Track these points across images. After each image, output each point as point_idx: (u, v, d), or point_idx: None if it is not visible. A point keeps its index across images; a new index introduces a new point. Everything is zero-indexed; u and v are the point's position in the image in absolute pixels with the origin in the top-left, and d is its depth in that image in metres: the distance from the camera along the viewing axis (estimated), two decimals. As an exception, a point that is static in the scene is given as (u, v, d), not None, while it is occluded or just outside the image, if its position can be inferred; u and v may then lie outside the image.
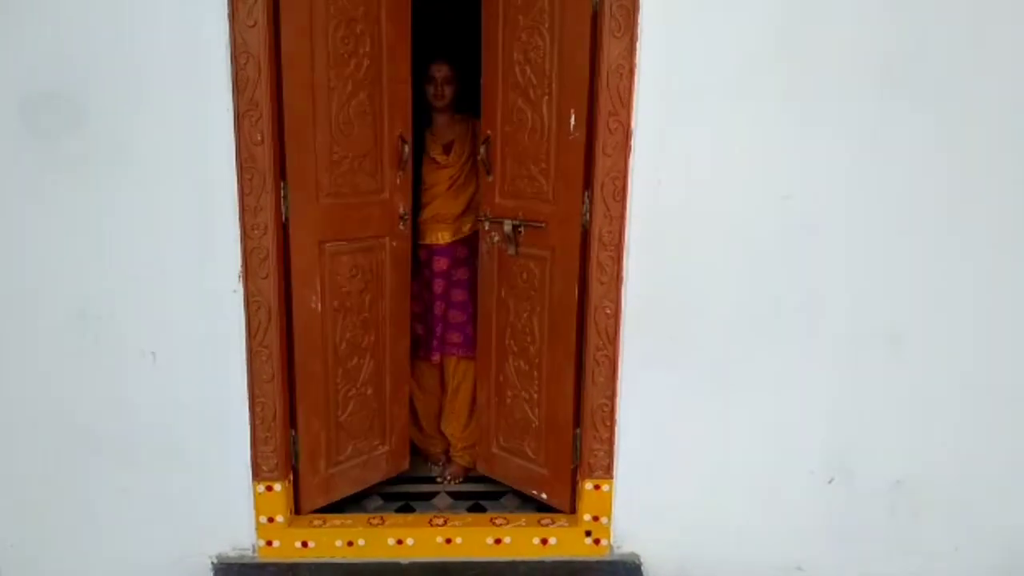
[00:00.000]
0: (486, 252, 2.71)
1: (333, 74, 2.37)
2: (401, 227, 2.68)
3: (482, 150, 2.64)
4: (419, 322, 3.00)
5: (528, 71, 2.45)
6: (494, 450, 2.83)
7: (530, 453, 2.70)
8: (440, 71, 2.88)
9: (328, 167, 2.43)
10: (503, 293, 2.68)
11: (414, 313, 2.94)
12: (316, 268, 2.46)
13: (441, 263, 2.96)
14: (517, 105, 2.51)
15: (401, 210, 2.67)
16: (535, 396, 2.63)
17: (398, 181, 2.64)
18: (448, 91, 2.89)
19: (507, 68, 2.51)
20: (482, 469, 2.91)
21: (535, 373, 2.62)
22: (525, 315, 2.61)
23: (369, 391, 2.70)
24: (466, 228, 2.94)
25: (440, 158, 2.92)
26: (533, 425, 2.67)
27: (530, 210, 2.52)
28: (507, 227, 2.57)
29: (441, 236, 2.93)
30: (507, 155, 2.59)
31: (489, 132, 2.62)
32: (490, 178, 2.64)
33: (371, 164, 2.56)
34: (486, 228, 2.67)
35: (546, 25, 2.37)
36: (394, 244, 2.68)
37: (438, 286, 2.97)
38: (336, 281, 2.53)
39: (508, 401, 2.74)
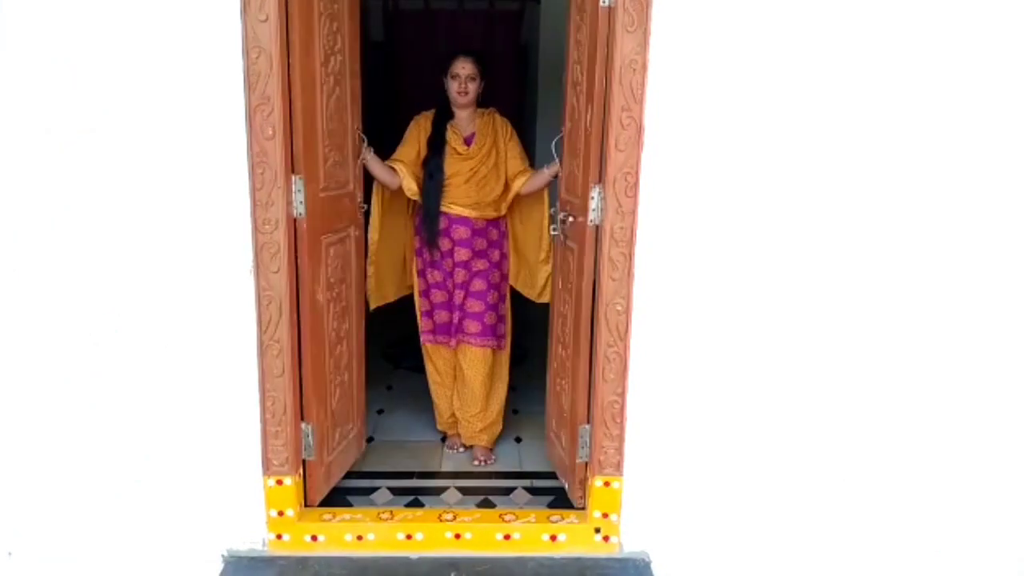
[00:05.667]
0: (560, 243, 2.75)
1: (323, 70, 2.41)
2: (360, 217, 2.82)
3: (553, 147, 2.77)
4: (442, 308, 3.10)
5: (578, 70, 2.46)
6: (549, 434, 2.92)
7: (564, 443, 2.71)
8: (464, 67, 2.90)
9: (324, 161, 2.48)
10: (560, 284, 2.76)
11: (435, 302, 3.09)
12: (320, 261, 2.50)
13: (462, 253, 3.01)
14: (572, 103, 2.55)
15: (360, 199, 2.80)
16: (568, 386, 2.64)
17: (357, 172, 2.76)
18: (472, 87, 2.92)
19: (571, 66, 2.55)
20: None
21: (568, 364, 2.62)
22: (568, 306, 2.62)
23: (346, 377, 2.79)
24: (489, 212, 2.99)
25: (461, 148, 2.97)
26: (565, 415, 2.68)
27: (574, 205, 2.56)
28: (563, 219, 2.62)
29: (461, 209, 2.96)
30: (568, 152, 2.65)
31: (563, 129, 2.68)
32: (562, 173, 2.74)
33: (342, 157, 2.63)
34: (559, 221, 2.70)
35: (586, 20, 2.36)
36: (356, 234, 2.79)
37: (459, 275, 3.04)
38: (327, 272, 2.58)
39: (556, 388, 2.81)
